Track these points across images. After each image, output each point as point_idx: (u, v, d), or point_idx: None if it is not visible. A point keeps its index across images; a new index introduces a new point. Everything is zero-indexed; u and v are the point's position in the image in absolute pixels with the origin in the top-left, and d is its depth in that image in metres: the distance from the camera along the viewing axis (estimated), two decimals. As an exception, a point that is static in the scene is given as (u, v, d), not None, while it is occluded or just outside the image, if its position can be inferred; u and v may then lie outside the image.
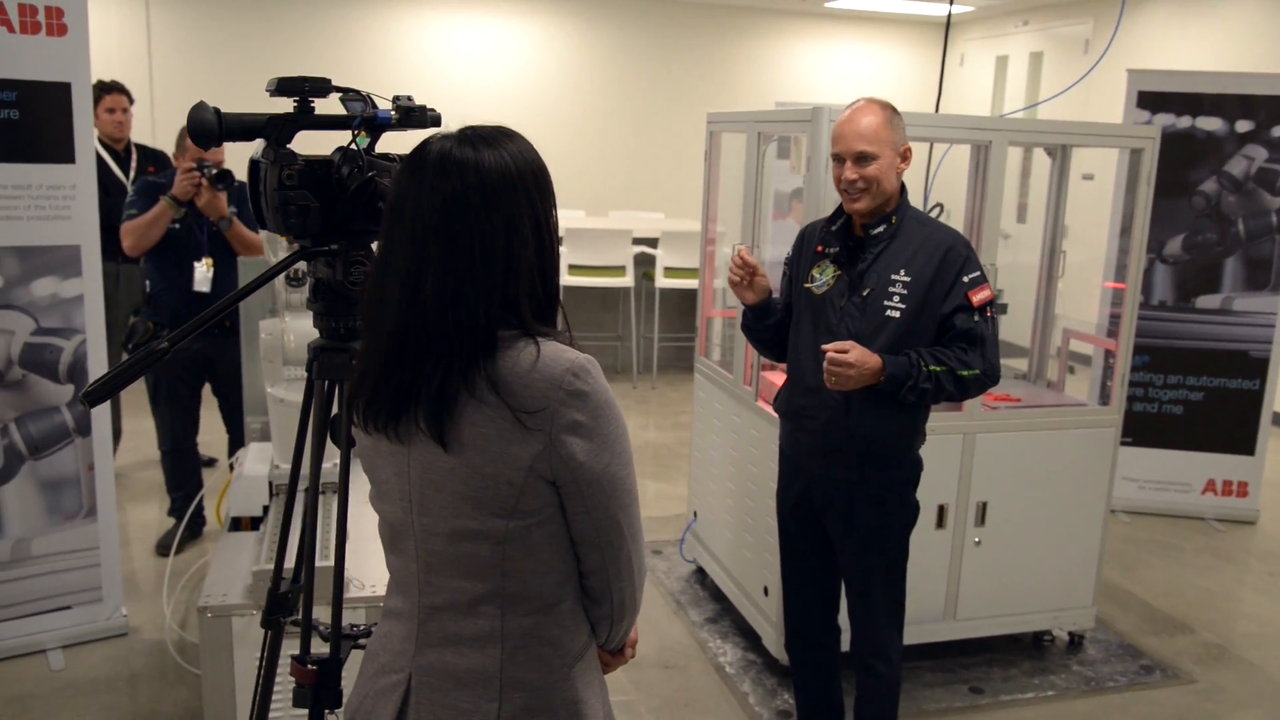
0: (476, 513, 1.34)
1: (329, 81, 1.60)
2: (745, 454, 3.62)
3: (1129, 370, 3.63)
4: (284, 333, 3.27)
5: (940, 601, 3.53)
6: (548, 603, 1.41)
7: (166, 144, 8.27)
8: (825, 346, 2.39)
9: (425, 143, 1.39)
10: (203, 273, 3.95)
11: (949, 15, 4.07)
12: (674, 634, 3.78)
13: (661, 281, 7.27)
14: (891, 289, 2.50)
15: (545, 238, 1.38)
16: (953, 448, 3.42)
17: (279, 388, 3.23)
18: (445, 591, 1.40)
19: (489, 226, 1.32)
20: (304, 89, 1.57)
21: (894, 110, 2.53)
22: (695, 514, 4.20)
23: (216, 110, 1.52)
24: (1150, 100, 4.91)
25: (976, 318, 2.48)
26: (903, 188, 2.59)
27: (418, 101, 1.67)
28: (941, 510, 3.45)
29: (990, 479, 3.48)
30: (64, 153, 3.17)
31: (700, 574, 4.21)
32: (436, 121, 1.64)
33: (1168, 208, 4.92)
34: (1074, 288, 6.25)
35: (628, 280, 7.24)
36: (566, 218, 7.79)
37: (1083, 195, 7.40)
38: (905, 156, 2.53)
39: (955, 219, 3.79)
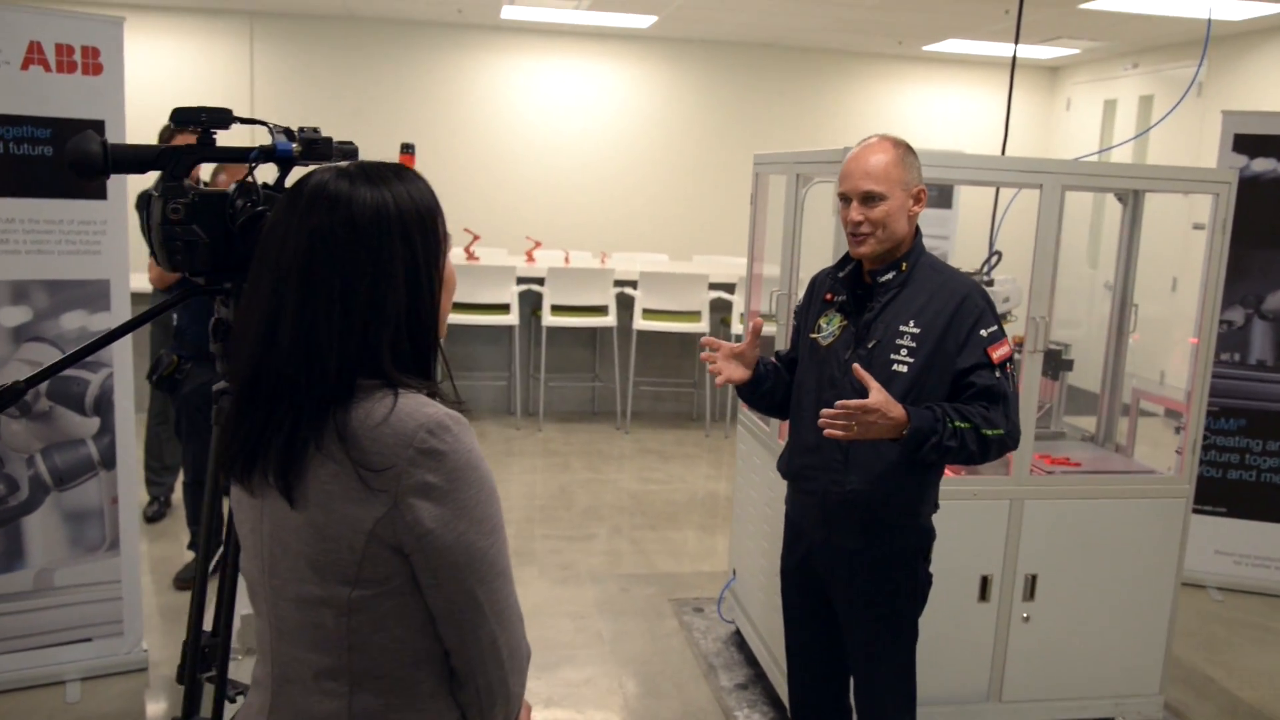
0: (318, 578, 1.23)
1: (229, 112, 1.53)
2: (779, 511, 3.41)
3: (1201, 434, 3.30)
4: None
5: (984, 681, 3.24)
6: (403, 683, 1.27)
7: (268, 176, 8.57)
8: (845, 403, 2.15)
9: (308, 174, 1.29)
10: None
11: (1014, 55, 3.85)
12: (699, 699, 3.57)
13: (737, 327, 7.10)
14: (899, 341, 2.30)
15: (422, 285, 1.26)
16: (998, 514, 3.16)
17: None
18: (294, 662, 1.28)
19: (354, 267, 1.22)
20: (201, 119, 1.50)
21: (908, 148, 2.35)
22: (734, 572, 4.00)
23: (103, 141, 1.46)
24: (1249, 144, 4.54)
25: (998, 374, 2.26)
26: (917, 231, 2.40)
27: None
28: (985, 582, 3.18)
29: (1041, 550, 3.20)
30: (96, 189, 3.22)
31: (738, 636, 4.00)
32: (350, 155, 1.55)
33: (1268, 259, 4.54)
34: (1180, 345, 5.85)
35: (703, 326, 7.09)
36: (646, 262, 7.71)
37: (1197, 246, 6.96)
38: (919, 198, 2.35)
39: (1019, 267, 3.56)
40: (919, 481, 2.33)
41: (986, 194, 4.03)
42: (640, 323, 7.04)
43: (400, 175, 1.28)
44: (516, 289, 6.96)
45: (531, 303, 7.12)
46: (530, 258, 7.47)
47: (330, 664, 1.26)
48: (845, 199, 2.33)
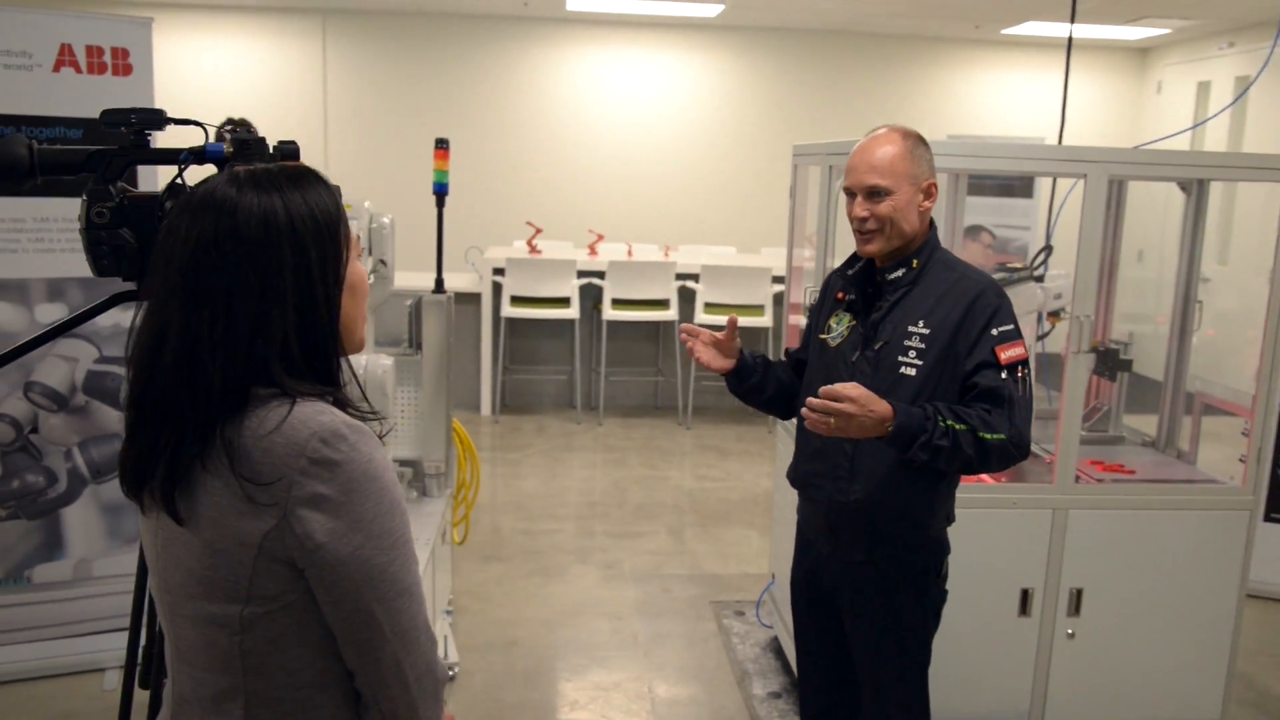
0: (209, 595, 1.18)
1: (162, 113, 1.49)
2: (811, 516, 3.30)
3: (1270, 441, 3.07)
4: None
5: (1024, 700, 3.08)
6: (303, 705, 1.22)
7: (342, 169, 8.73)
8: (823, 389, 2.03)
9: (202, 180, 1.24)
10: None
11: (1070, 35, 3.64)
12: (730, 707, 3.47)
13: (797, 320, 6.93)
14: (907, 342, 2.17)
15: (316, 294, 1.20)
16: (1039, 525, 2.99)
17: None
18: (192, 682, 1.24)
19: (239, 277, 1.16)
20: (131, 120, 1.47)
21: (918, 139, 2.21)
22: (773, 576, 3.89)
23: (29, 144, 1.44)
24: (1339, 127, 4.22)
25: (1004, 375, 2.10)
26: (931, 225, 2.26)
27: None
28: (1026, 595, 3.02)
29: (1087, 562, 3.02)
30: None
31: (776, 642, 3.89)
32: (290, 155, 1.49)
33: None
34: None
35: (766, 320, 6.96)
36: (710, 255, 7.59)
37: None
38: (930, 193, 2.21)
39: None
40: (928, 491, 2.19)
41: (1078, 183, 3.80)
42: (703, 316, 6.93)
43: (297, 181, 1.22)
44: (577, 282, 6.92)
45: (593, 296, 7.08)
46: (593, 251, 7.43)
47: (226, 685, 1.21)
48: (850, 193, 2.21)
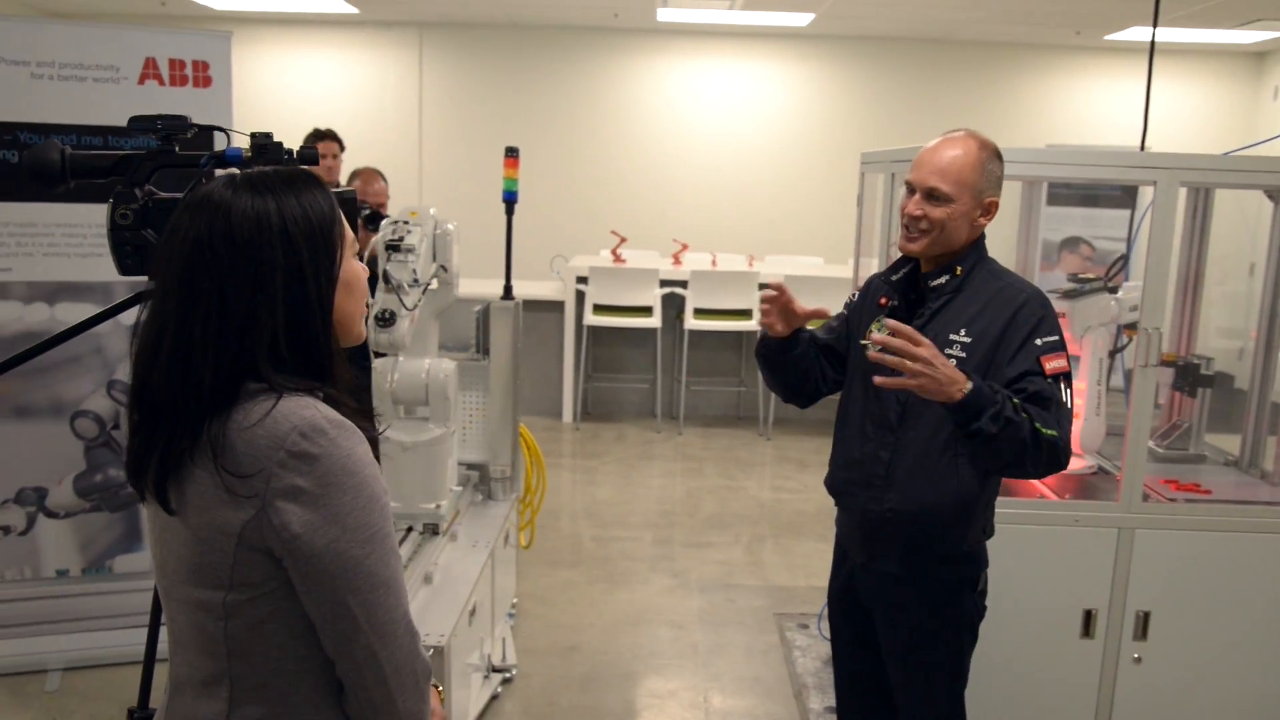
0: (197, 580, 1.23)
1: (187, 119, 1.55)
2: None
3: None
4: (391, 372, 3.32)
5: (1087, 725, 2.96)
6: (285, 692, 1.26)
7: (436, 178, 8.91)
8: (889, 322, 1.98)
9: (201, 182, 1.30)
10: None
11: (1153, 38, 3.51)
12: (784, 721, 3.44)
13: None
14: (949, 351, 2.11)
15: (309, 293, 1.25)
16: (1104, 543, 2.88)
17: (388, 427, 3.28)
18: (185, 665, 1.30)
19: (233, 278, 1.21)
20: (157, 126, 1.53)
21: (994, 153, 2.15)
22: (836, 589, 3.83)
23: (62, 150, 1.51)
24: None
25: (1049, 381, 2.04)
26: (980, 235, 2.21)
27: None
28: (1089, 616, 2.90)
29: (1155, 585, 2.89)
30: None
31: (838, 657, 3.83)
32: (310, 160, 1.54)
33: None
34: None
35: (849, 331, 6.86)
36: (796, 265, 7.53)
37: None
38: (989, 210, 2.15)
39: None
40: (964, 503, 2.13)
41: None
42: (784, 327, 6.87)
43: (292, 184, 1.26)
44: (659, 291, 6.94)
45: (676, 305, 7.09)
46: (677, 260, 7.44)
47: (215, 669, 1.25)
48: (910, 189, 2.16)
